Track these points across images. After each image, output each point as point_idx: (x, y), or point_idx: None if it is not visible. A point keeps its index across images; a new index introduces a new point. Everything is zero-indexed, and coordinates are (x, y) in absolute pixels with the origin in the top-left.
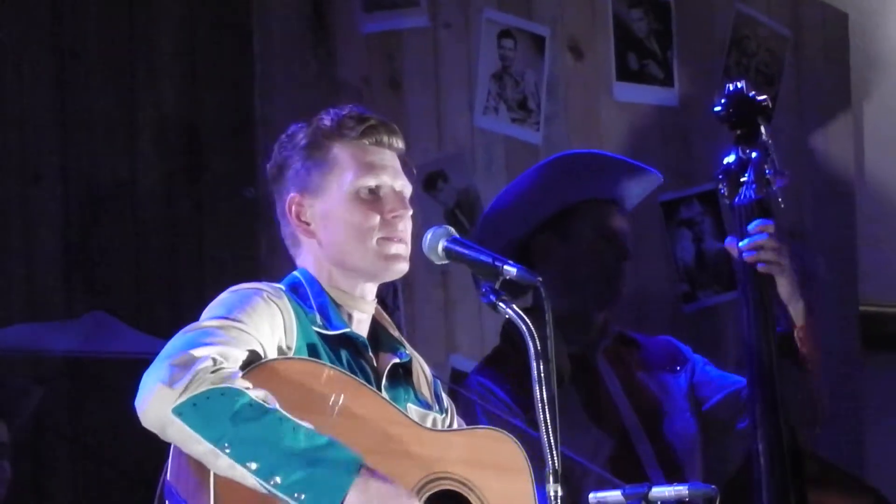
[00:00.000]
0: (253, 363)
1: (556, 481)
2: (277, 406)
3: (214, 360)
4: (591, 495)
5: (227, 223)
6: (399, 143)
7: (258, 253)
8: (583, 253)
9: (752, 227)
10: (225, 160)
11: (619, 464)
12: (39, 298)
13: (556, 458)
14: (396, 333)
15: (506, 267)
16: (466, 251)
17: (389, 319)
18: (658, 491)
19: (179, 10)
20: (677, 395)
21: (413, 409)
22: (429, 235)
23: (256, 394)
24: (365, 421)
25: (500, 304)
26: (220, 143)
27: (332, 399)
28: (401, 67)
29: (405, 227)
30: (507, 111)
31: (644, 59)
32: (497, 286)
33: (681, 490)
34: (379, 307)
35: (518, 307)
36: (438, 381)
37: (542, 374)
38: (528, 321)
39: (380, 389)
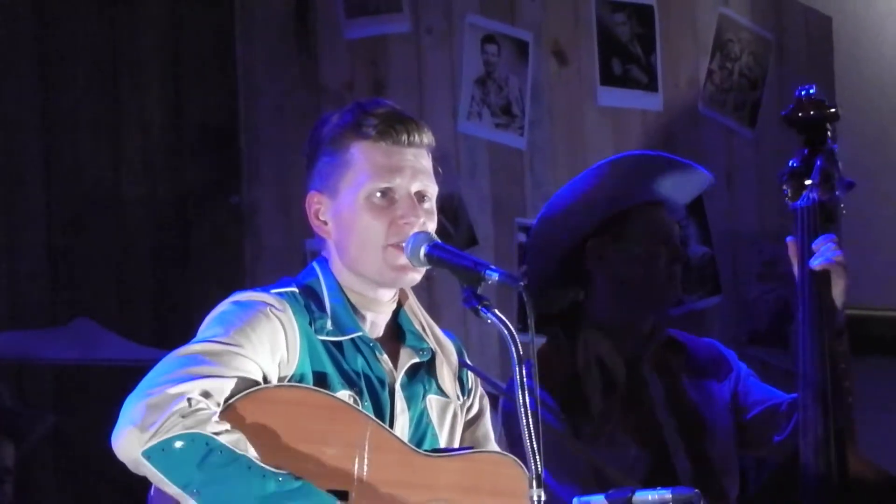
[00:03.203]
0: (244, 389)
1: (538, 486)
2: (250, 450)
3: (191, 400)
4: (574, 499)
5: (212, 229)
6: (424, 139)
7: (243, 259)
8: (638, 256)
9: (815, 243)
10: (209, 165)
11: (656, 480)
12: (22, 306)
13: (537, 463)
14: (419, 325)
15: (487, 272)
16: (448, 256)
17: (418, 308)
18: (641, 495)
19: (163, 14)
20: (721, 407)
21: (434, 400)
22: (410, 241)
23: (229, 438)
24: (353, 448)
25: (482, 309)
26: (204, 148)
27: (321, 428)
28: (384, 72)
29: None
30: (490, 116)
31: (628, 63)
32: (479, 291)
33: (664, 494)
34: (412, 295)
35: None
36: (465, 364)
37: (524, 380)
38: (511, 326)
39: (394, 390)
